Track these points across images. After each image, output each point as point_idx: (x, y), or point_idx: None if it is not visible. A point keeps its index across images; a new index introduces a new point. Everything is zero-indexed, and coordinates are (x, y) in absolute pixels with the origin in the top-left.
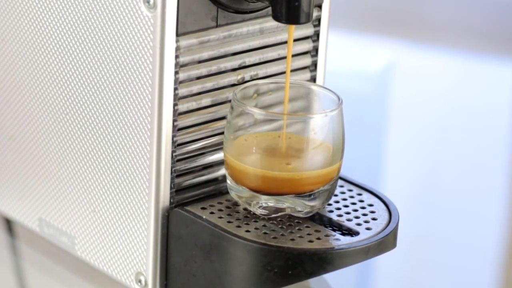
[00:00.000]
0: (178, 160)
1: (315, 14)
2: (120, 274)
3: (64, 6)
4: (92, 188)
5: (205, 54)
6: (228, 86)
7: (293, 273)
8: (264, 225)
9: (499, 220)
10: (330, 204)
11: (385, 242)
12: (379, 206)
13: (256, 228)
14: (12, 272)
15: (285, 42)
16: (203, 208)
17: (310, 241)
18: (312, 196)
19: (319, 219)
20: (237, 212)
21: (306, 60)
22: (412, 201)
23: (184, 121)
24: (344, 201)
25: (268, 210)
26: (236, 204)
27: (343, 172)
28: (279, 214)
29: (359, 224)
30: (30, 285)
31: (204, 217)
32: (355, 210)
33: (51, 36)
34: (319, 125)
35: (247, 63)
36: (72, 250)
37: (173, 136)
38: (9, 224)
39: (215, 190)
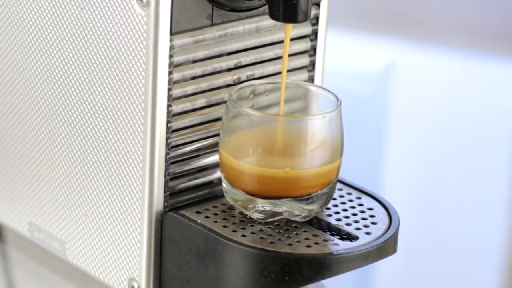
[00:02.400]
0: (172, 163)
1: (313, 12)
2: (112, 280)
3: (55, 4)
4: (83, 192)
5: (200, 54)
6: (223, 87)
7: (291, 279)
8: (261, 230)
9: (503, 224)
10: (328, 208)
11: (385, 247)
12: (379, 210)
13: (253, 233)
14: (1, 278)
15: (282, 41)
16: (197, 212)
17: (308, 246)
18: (310, 200)
19: (317, 224)
20: (233, 216)
21: (304, 60)
22: (413, 205)
23: (178, 123)
24: (343, 205)
25: (265, 214)
26: (231, 208)
27: (342, 175)
28: (276, 218)
29: (358, 229)
30: None
31: (198, 221)
32: (354, 214)
33: (42, 35)
34: (317, 127)
35: (243, 63)
36: (63, 255)
37: (167, 138)
38: None
39: (210, 194)
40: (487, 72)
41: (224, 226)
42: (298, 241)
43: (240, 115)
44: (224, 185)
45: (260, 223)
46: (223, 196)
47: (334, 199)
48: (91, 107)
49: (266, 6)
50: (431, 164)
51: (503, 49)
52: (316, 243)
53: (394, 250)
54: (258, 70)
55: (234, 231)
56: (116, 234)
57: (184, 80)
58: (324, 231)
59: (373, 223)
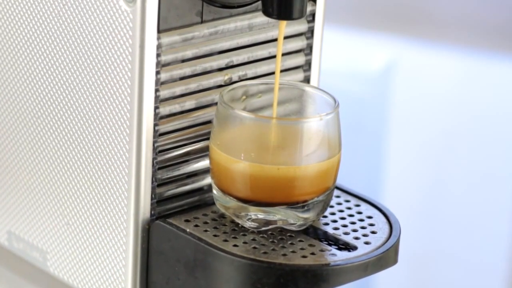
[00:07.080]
0: (160, 168)
1: (309, 8)
2: None
3: None
4: (66, 199)
5: (189, 53)
6: (214, 88)
7: None
8: (254, 239)
9: (509, 233)
10: (325, 216)
11: (386, 258)
12: (378, 219)
13: (245, 242)
14: None
15: (276, 40)
16: (186, 221)
17: (304, 257)
18: (305, 207)
19: (314, 233)
20: (224, 225)
21: (300, 59)
22: (415, 212)
23: (166, 126)
24: (340, 213)
25: (258, 223)
26: (222, 216)
27: (340, 181)
28: (270, 227)
29: (357, 238)
30: None
31: (188, 230)
32: (353, 223)
33: (21, 33)
34: (313, 130)
35: (235, 62)
36: (44, 266)
37: (154, 142)
38: None
39: (200, 201)
40: (492, 72)
41: (215, 236)
42: (293, 251)
43: (232, 118)
44: (214, 191)
45: (253, 232)
46: (213, 203)
47: (332, 206)
48: (73, 109)
49: (259, 2)
50: (433, 170)
51: (509, 47)
52: (312, 254)
53: (395, 261)
54: (250, 70)
55: (226, 240)
56: (100, 244)
57: (172, 80)
58: (321, 241)
59: (373, 232)
